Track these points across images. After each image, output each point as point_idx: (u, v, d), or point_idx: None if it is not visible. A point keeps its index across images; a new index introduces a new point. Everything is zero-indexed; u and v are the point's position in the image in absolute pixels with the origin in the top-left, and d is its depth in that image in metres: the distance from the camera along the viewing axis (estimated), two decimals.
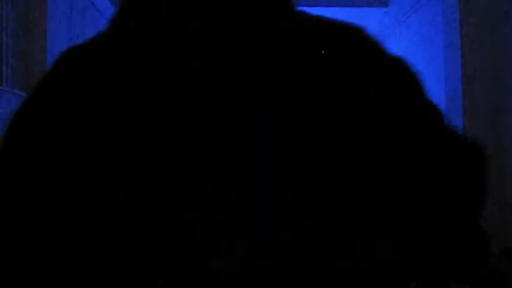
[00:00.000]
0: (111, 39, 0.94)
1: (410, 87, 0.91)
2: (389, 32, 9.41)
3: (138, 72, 0.82)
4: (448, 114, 0.99)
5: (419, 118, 0.89)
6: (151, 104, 0.80)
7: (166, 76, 0.81)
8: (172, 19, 0.83)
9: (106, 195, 0.77)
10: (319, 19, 0.91)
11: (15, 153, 0.87)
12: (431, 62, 6.87)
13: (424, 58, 7.45)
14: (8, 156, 0.87)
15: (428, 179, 0.90)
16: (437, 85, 6.12)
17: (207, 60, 0.82)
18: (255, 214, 0.82)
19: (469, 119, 5.69)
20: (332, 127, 0.84)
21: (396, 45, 9.09)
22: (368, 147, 0.85)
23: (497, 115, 5.69)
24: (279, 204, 0.84)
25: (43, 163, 0.80)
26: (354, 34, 0.90)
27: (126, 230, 0.77)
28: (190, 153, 0.81)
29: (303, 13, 0.91)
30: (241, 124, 0.80)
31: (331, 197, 0.85)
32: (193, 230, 0.79)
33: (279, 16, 0.88)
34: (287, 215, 0.84)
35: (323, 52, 0.90)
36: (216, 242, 0.78)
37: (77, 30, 8.05)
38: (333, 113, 0.84)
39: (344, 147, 0.84)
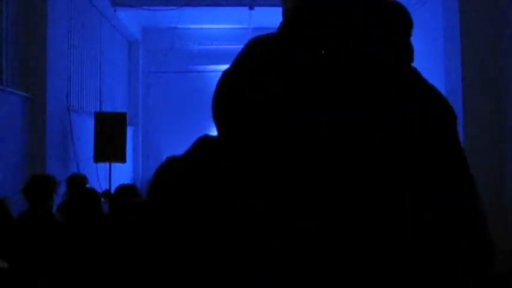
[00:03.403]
0: None
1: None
2: None
3: None
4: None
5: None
6: None
7: None
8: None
9: None
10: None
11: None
12: (431, 62, 6.86)
13: (423, 58, 7.44)
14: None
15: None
16: (437, 85, 6.10)
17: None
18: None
19: (469, 118, 5.69)
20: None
21: None
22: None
23: (497, 115, 5.69)
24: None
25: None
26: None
27: None
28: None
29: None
30: None
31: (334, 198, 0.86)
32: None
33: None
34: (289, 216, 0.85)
35: (323, 52, 0.91)
36: None
37: (77, 30, 8.06)
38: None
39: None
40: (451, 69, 6.10)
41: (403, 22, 0.97)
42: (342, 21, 0.92)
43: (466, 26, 5.86)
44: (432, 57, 6.53)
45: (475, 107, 5.73)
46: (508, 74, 5.62)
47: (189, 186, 0.91)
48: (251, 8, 9.22)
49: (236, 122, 0.89)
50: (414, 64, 1.04)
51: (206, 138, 0.97)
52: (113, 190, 5.15)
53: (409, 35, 1.00)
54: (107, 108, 9.30)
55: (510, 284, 2.72)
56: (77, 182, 5.29)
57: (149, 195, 0.98)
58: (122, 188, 3.93)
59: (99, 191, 5.05)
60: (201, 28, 11.25)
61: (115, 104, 10.08)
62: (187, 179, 0.92)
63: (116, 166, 8.18)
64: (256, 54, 0.95)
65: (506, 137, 5.59)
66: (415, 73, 1.00)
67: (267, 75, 0.90)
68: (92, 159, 7.66)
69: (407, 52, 0.99)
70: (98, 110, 8.75)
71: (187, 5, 8.97)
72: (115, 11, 9.39)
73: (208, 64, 11.16)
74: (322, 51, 0.91)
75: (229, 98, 0.93)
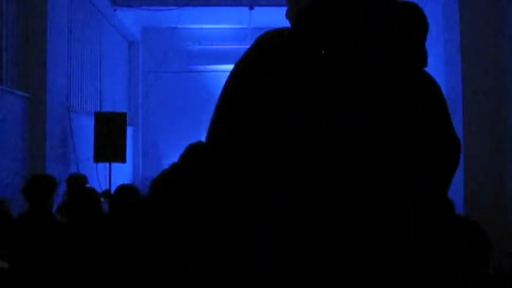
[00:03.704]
0: None
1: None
2: None
3: None
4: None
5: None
6: None
7: None
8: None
9: None
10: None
11: None
12: (431, 62, 6.85)
13: None
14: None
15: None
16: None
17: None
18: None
19: (469, 119, 5.69)
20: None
21: None
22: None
23: (497, 115, 5.69)
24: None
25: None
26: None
27: None
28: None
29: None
30: None
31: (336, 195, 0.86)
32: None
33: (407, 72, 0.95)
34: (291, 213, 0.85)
35: (323, 52, 0.91)
36: None
37: (77, 30, 8.07)
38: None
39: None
40: (451, 69, 6.10)
41: (407, 22, 0.97)
42: (343, 22, 0.92)
43: (467, 25, 5.85)
44: (432, 57, 6.51)
45: (475, 107, 5.73)
46: (508, 74, 5.62)
47: (190, 188, 0.92)
48: (251, 8, 9.22)
49: (239, 122, 0.89)
50: None
51: (202, 143, 0.98)
52: (113, 190, 5.16)
53: (417, 35, 0.99)
54: (107, 108, 9.30)
55: (510, 284, 2.72)
56: (77, 182, 5.29)
57: (150, 198, 0.98)
58: (122, 188, 3.93)
59: (99, 191, 5.05)
60: (201, 28, 11.25)
61: (115, 104, 10.08)
62: (188, 181, 0.93)
63: (116, 166, 8.18)
64: (259, 54, 0.95)
65: (506, 137, 5.59)
66: (419, 73, 1.00)
67: (268, 75, 0.90)
68: (92, 159, 7.66)
69: (412, 52, 0.98)
70: (98, 110, 8.75)
71: (187, 5, 8.97)
72: (115, 11, 9.39)
73: (208, 64, 11.16)
74: (323, 51, 0.91)
75: (233, 99, 0.93)
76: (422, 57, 1.00)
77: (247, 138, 0.87)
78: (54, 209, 4.16)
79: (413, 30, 0.98)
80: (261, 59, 0.94)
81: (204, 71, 11.21)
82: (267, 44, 0.96)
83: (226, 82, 0.97)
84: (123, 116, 8.05)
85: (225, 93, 0.96)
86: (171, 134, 10.95)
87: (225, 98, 0.95)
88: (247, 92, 0.91)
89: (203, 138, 0.99)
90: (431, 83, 1.00)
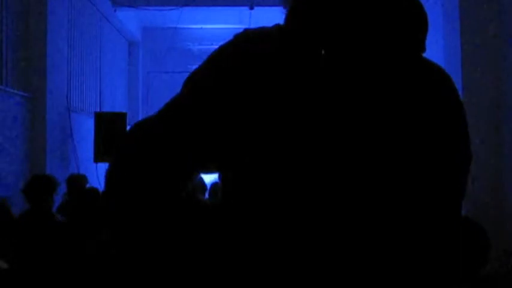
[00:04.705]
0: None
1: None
2: None
3: None
4: None
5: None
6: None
7: None
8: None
9: None
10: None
11: None
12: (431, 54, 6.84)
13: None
14: None
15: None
16: None
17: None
18: None
19: (469, 119, 5.67)
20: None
21: None
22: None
23: (497, 115, 5.69)
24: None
25: None
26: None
27: None
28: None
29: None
30: None
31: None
32: None
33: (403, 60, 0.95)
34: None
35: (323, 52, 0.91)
36: None
37: (77, 30, 8.07)
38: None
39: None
40: (451, 68, 6.10)
41: (408, 21, 0.97)
42: (343, 21, 0.93)
43: (467, 25, 5.85)
44: (432, 57, 6.52)
45: (475, 106, 5.73)
46: (508, 74, 5.62)
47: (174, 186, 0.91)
48: (251, 8, 9.22)
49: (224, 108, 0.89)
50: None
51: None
52: None
53: (417, 32, 0.98)
54: (107, 108, 9.30)
55: (510, 284, 2.72)
56: (77, 182, 5.29)
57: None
58: None
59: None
60: (201, 28, 11.25)
61: (115, 104, 10.08)
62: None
63: None
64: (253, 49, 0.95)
65: (507, 137, 5.59)
66: (419, 68, 0.99)
67: (267, 69, 0.90)
68: (92, 159, 7.66)
69: (413, 51, 0.98)
70: (98, 110, 8.76)
71: (187, 5, 8.97)
72: (115, 11, 9.39)
73: None
74: (323, 51, 0.91)
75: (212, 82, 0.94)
76: (421, 50, 1.00)
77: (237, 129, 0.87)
78: (54, 209, 4.16)
79: (414, 28, 0.98)
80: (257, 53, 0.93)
81: None
82: (261, 41, 0.96)
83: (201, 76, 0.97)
84: (123, 116, 8.05)
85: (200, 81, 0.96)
86: None
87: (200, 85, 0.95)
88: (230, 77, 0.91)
89: None
90: (433, 73, 1.00)
